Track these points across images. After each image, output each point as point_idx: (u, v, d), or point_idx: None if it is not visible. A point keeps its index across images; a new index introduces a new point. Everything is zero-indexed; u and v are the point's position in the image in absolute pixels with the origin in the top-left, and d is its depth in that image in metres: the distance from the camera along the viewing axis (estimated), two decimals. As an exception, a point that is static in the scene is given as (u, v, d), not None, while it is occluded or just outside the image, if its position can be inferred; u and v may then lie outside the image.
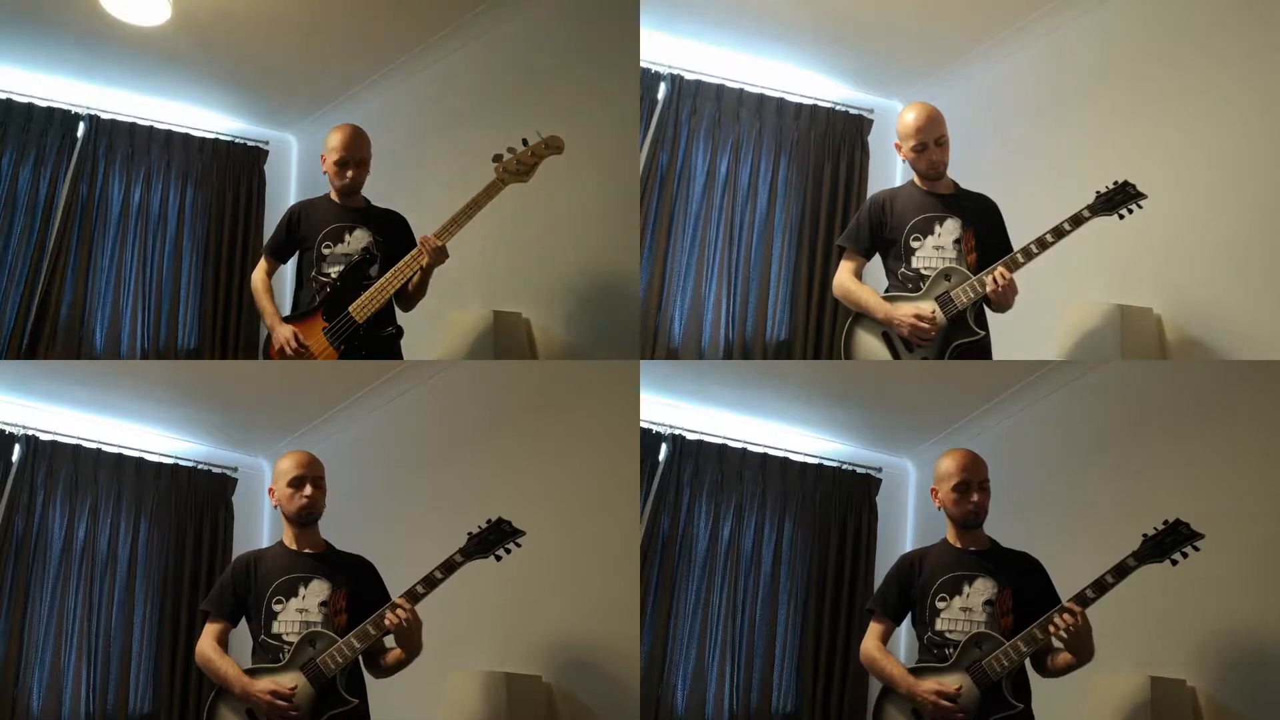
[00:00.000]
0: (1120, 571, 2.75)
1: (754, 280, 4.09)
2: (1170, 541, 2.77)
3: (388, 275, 3.23)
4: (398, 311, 3.34)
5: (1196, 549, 2.77)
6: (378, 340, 3.26)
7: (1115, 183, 3.05)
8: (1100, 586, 2.75)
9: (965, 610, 2.88)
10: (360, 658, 2.90)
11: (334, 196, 3.37)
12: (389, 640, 2.91)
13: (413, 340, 3.47)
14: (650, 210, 3.95)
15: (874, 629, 3.01)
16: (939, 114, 3.17)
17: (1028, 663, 2.85)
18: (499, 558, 2.91)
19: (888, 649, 2.99)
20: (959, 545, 2.96)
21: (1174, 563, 2.77)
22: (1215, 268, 3.38)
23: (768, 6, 3.88)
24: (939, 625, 2.90)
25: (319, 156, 3.39)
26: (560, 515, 3.52)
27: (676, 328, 3.99)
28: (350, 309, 3.22)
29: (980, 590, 2.89)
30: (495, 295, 3.86)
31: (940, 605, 2.91)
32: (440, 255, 3.20)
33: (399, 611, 2.82)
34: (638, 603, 3.53)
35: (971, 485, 2.92)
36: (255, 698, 2.83)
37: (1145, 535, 2.78)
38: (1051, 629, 2.75)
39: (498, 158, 3.20)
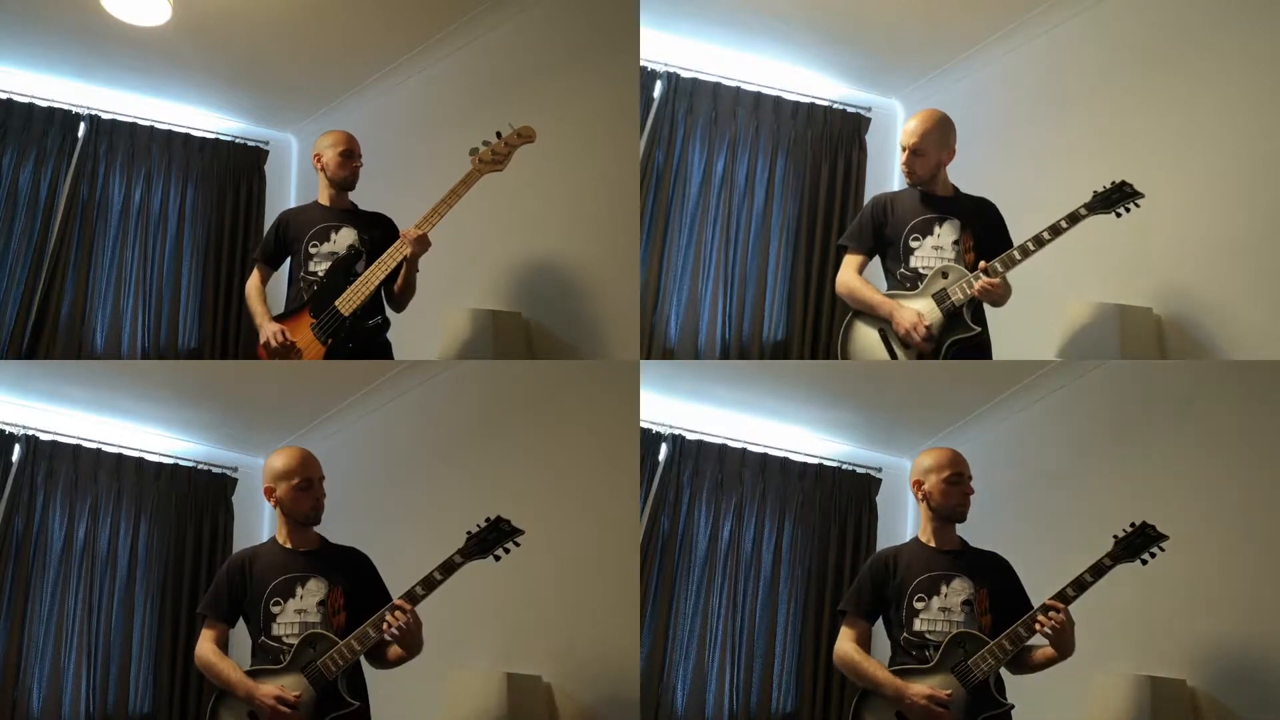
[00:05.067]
0: (1097, 570, 2.79)
1: (750, 279, 4.08)
2: (1139, 543, 2.81)
3: (371, 268, 3.27)
4: (385, 304, 3.36)
5: (1163, 549, 2.80)
6: (363, 332, 3.28)
7: (1113, 182, 3.06)
8: (1080, 585, 2.78)
9: (944, 610, 2.88)
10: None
11: (323, 199, 3.43)
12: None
13: (412, 340, 3.47)
14: (646, 209, 3.94)
15: (848, 631, 2.97)
16: (932, 128, 3.18)
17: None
18: (498, 558, 2.90)
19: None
20: (933, 545, 2.96)
21: (1144, 562, 2.81)
22: (1215, 268, 3.37)
23: (765, 4, 3.88)
24: (918, 626, 2.88)
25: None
26: (560, 515, 3.52)
27: (673, 327, 3.98)
28: (336, 303, 3.25)
29: (958, 590, 2.89)
30: (493, 295, 3.86)
31: (919, 605, 2.89)
32: (422, 244, 3.24)
33: (397, 614, 2.82)
34: (638, 603, 3.53)
35: (964, 476, 2.94)
36: (260, 702, 2.82)
37: (1116, 537, 2.81)
38: (1037, 626, 2.75)
39: (474, 150, 3.26)
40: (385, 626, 2.82)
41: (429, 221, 3.23)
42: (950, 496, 2.93)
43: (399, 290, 3.32)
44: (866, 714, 2.88)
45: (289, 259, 3.45)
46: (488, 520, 2.91)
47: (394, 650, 2.91)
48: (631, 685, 3.45)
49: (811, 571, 4.00)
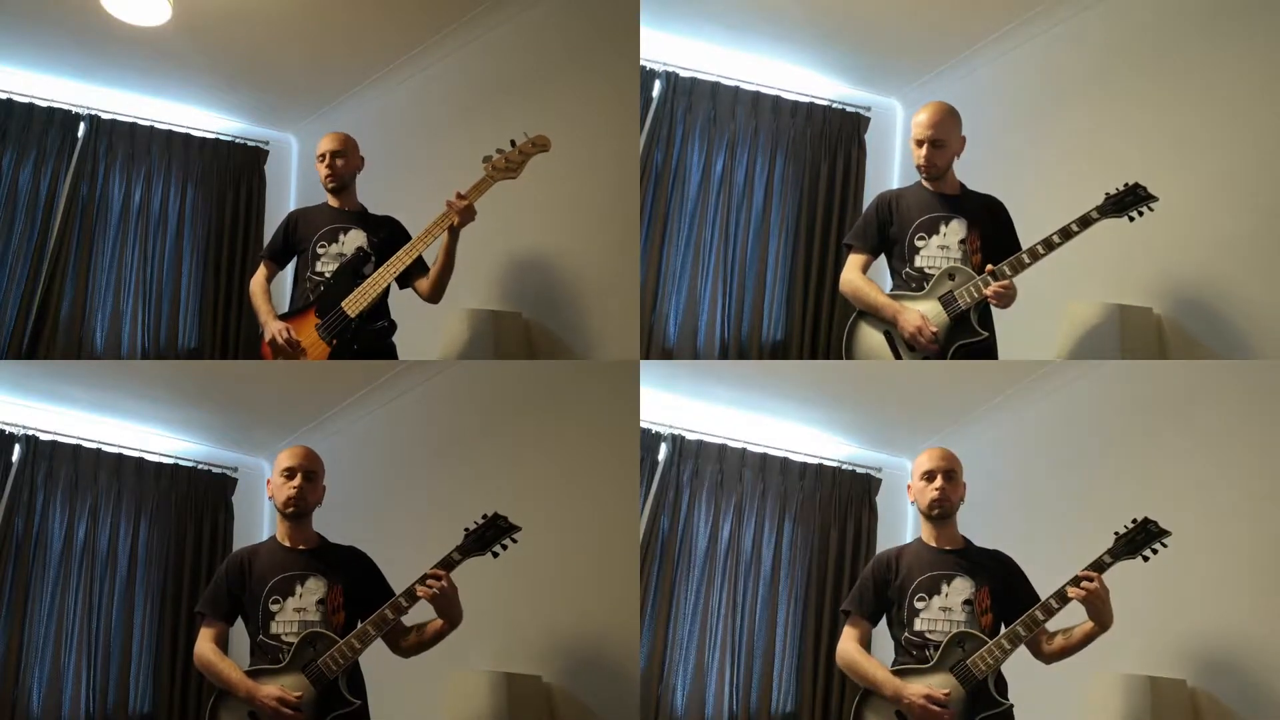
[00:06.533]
0: (1097, 568, 2.76)
1: (750, 279, 4.08)
2: (1140, 539, 2.78)
3: (380, 270, 3.27)
4: (391, 307, 3.36)
5: (1165, 545, 2.78)
6: (369, 334, 3.28)
7: (1125, 184, 3.01)
8: (1099, 566, 2.76)
9: (945, 610, 2.87)
10: (384, 640, 2.91)
11: (330, 201, 3.44)
12: (407, 620, 2.92)
13: (412, 340, 3.47)
14: (645, 209, 3.94)
15: (850, 631, 2.97)
16: (947, 117, 3.14)
17: (1021, 656, 2.83)
18: (496, 554, 2.91)
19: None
20: (934, 544, 2.95)
21: (1145, 559, 2.78)
22: (1215, 267, 3.37)
23: (765, 4, 3.88)
24: (918, 625, 2.88)
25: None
26: (560, 515, 3.52)
27: (671, 327, 3.98)
28: (343, 304, 3.25)
29: (959, 589, 2.88)
30: (493, 295, 3.86)
31: (919, 605, 2.89)
32: (469, 214, 3.20)
33: (430, 582, 2.82)
34: (638, 603, 3.53)
35: (936, 474, 2.93)
36: (261, 702, 2.82)
37: (1116, 533, 2.79)
38: (1072, 594, 2.72)
39: (487, 158, 3.24)
40: (420, 594, 2.81)
41: (439, 227, 3.21)
42: (923, 494, 2.95)
43: (440, 268, 3.28)
44: (868, 713, 2.88)
45: (295, 258, 3.45)
46: (485, 517, 2.91)
47: (432, 626, 2.90)
48: (631, 685, 3.45)
49: (811, 571, 4.00)
